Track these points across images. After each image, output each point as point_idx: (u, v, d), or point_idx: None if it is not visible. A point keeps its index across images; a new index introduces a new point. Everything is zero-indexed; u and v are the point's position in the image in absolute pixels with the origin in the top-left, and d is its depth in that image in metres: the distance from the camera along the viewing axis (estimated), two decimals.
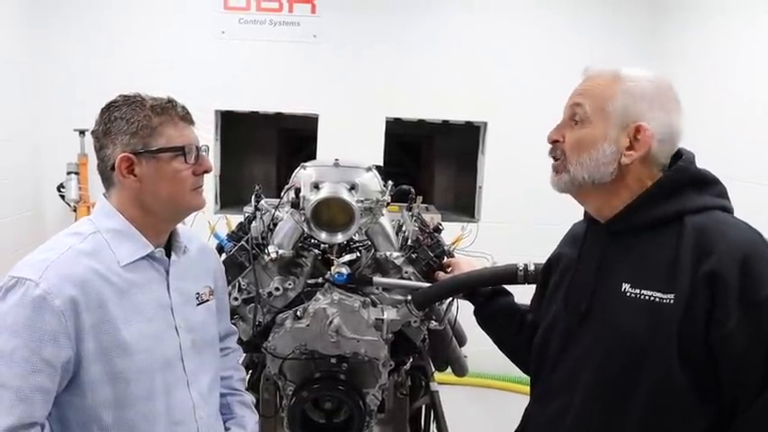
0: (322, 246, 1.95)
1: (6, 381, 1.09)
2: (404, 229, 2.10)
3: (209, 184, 3.89)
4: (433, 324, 1.88)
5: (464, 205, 4.84)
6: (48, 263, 1.14)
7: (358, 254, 1.97)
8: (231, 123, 4.46)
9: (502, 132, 4.32)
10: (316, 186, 1.82)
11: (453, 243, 2.05)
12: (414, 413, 2.36)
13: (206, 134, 3.77)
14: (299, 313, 1.80)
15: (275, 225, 1.96)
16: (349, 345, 1.78)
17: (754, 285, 1.03)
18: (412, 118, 4.40)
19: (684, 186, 1.16)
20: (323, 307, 1.78)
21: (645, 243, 1.16)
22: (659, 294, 1.09)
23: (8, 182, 3.84)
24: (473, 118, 4.39)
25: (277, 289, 1.84)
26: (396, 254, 1.88)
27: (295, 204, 1.77)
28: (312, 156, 4.12)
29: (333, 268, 1.81)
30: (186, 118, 1.29)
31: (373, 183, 1.87)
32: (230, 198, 4.52)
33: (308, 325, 1.77)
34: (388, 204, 1.88)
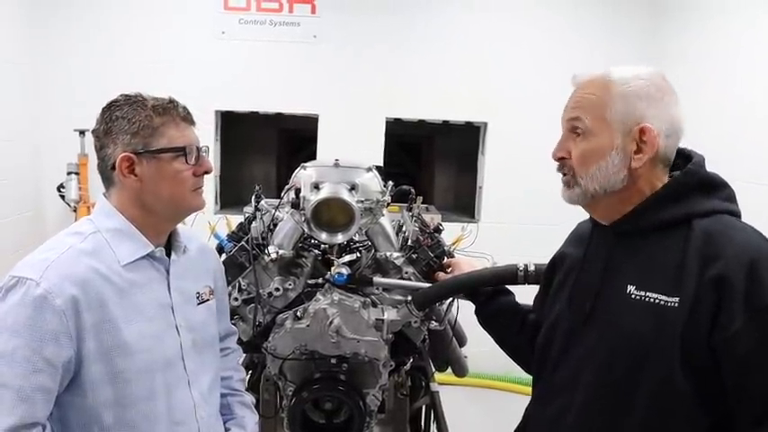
0: (322, 246, 1.95)
1: (8, 380, 1.08)
2: (404, 229, 2.10)
3: (210, 184, 3.89)
4: (434, 324, 1.88)
5: (464, 206, 4.84)
6: (48, 262, 1.14)
7: (358, 254, 1.97)
8: (231, 123, 4.46)
9: (502, 133, 4.32)
10: (316, 187, 1.82)
11: (453, 243, 2.05)
12: (414, 413, 2.36)
13: (206, 134, 3.77)
14: (299, 314, 1.80)
15: (275, 225, 1.96)
16: (349, 345, 1.78)
17: (760, 290, 1.02)
18: (412, 118, 4.40)
19: (693, 190, 1.15)
20: (323, 307, 1.78)
21: (652, 245, 1.15)
22: (664, 297, 1.09)
23: (8, 182, 3.84)
24: (473, 118, 4.39)
25: (277, 289, 1.84)
26: (396, 254, 1.88)
27: (295, 205, 1.77)
28: (312, 156, 4.12)
29: (333, 269, 1.81)
30: (187, 118, 1.29)
31: (373, 183, 1.87)
32: (230, 198, 4.52)
33: (308, 325, 1.77)
34: (388, 205, 1.88)
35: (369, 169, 1.91)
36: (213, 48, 4.16)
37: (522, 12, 4.23)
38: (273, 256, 1.81)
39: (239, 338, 1.76)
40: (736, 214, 1.17)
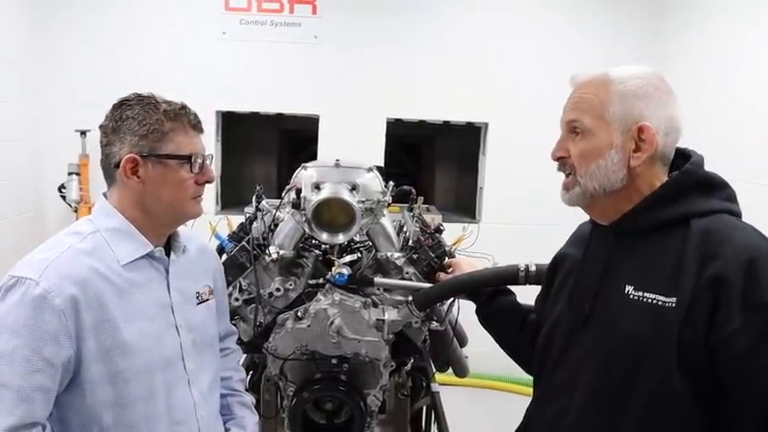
0: (323, 246, 1.95)
1: (7, 380, 1.09)
2: (405, 229, 2.10)
3: (211, 185, 3.89)
4: (434, 325, 1.87)
5: (465, 206, 4.83)
6: (48, 262, 1.14)
7: (359, 254, 1.97)
8: (232, 124, 4.46)
9: (503, 133, 4.31)
10: (317, 187, 1.82)
11: (454, 244, 2.05)
12: (414, 414, 2.35)
13: (207, 135, 3.78)
14: (299, 314, 1.80)
15: (276, 226, 1.96)
16: (350, 345, 1.78)
17: (757, 289, 1.01)
18: (413, 119, 4.39)
19: (691, 189, 1.15)
20: (324, 307, 1.78)
21: (651, 245, 1.15)
22: (662, 297, 1.09)
23: (9, 182, 3.84)
24: (474, 119, 4.39)
25: (278, 289, 1.84)
26: (397, 254, 1.88)
27: (296, 205, 1.77)
28: (313, 156, 4.12)
29: (334, 269, 1.81)
30: (197, 126, 1.29)
31: (374, 183, 1.87)
32: (231, 199, 4.52)
33: (308, 326, 1.77)
34: (389, 205, 1.88)
35: (369, 169, 1.90)
36: (214, 48, 4.16)
37: (523, 12, 4.23)
38: (274, 256, 1.82)
39: (240, 339, 1.77)
40: (737, 214, 1.16)
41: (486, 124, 4.37)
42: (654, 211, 1.15)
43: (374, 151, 4.11)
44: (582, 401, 1.19)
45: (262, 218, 1.99)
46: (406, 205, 2.29)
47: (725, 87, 3.41)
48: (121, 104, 1.24)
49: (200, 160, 1.27)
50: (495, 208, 4.37)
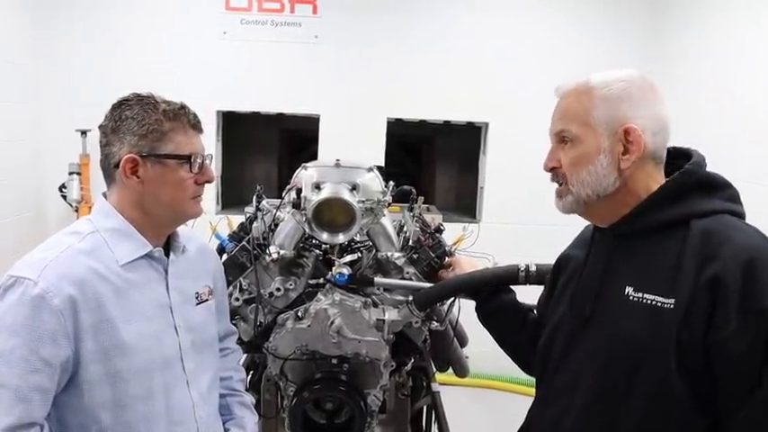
0: (323, 246, 1.95)
1: (5, 380, 1.08)
2: (405, 229, 2.10)
3: (211, 184, 3.89)
4: (435, 325, 1.87)
5: (465, 206, 4.83)
6: (46, 262, 1.14)
7: (359, 254, 1.97)
8: (233, 124, 4.46)
9: (503, 133, 4.31)
10: (317, 187, 1.82)
11: (455, 243, 2.05)
12: (415, 414, 2.35)
13: (207, 134, 3.78)
14: (300, 314, 1.80)
15: (276, 225, 1.96)
16: (350, 345, 1.78)
17: (756, 291, 1.01)
18: (413, 118, 4.39)
19: (691, 190, 1.14)
20: (324, 307, 1.78)
21: (651, 246, 1.15)
22: (661, 299, 1.08)
23: (9, 182, 3.84)
24: (474, 118, 4.39)
25: (278, 289, 1.84)
26: (397, 254, 1.88)
27: (296, 205, 1.77)
28: (313, 156, 4.12)
29: (334, 269, 1.81)
30: (197, 126, 1.29)
31: (374, 183, 1.87)
32: (232, 198, 4.52)
33: (309, 325, 1.77)
34: (389, 205, 1.88)
35: (370, 169, 1.91)
36: (215, 48, 4.16)
37: (523, 11, 4.23)
38: (274, 256, 1.82)
39: (240, 338, 1.77)
40: (739, 214, 1.15)
41: (487, 124, 4.37)
42: (653, 213, 1.15)
43: (374, 151, 4.11)
44: (582, 403, 1.19)
45: (262, 218, 1.99)
46: (407, 205, 2.28)
47: (725, 87, 3.41)
48: (121, 104, 1.24)
49: (199, 160, 1.27)
50: (495, 208, 4.37)
